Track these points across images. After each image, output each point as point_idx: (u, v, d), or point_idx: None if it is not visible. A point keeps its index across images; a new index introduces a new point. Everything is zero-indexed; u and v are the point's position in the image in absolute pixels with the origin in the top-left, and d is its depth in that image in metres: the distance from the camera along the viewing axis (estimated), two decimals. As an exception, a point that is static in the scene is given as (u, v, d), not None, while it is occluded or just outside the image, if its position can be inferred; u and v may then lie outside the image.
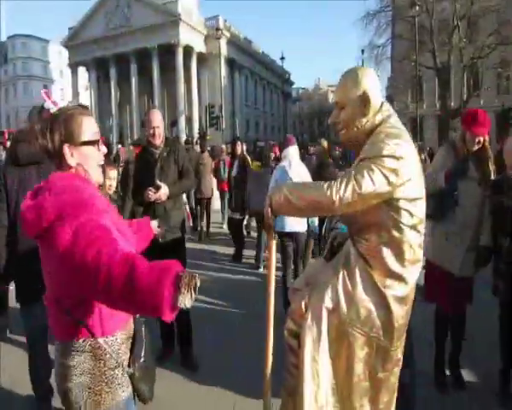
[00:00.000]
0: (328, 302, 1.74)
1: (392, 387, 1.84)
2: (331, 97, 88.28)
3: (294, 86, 70.92)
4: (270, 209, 1.70)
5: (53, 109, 1.43)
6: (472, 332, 3.16)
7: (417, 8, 20.42)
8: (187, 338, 3.43)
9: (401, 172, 1.61)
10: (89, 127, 1.42)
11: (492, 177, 2.88)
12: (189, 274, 1.10)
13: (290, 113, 59.93)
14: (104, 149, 1.49)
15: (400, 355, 1.83)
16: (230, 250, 6.94)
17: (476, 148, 2.83)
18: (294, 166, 4.49)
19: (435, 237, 2.85)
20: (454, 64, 24.05)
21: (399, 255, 1.70)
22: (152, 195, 3.13)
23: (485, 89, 26.36)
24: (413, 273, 1.75)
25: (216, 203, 9.39)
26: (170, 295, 1.07)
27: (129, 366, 1.42)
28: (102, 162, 1.48)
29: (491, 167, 2.87)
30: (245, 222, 7.44)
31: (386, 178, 1.59)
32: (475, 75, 25.63)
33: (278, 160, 6.51)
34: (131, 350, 1.45)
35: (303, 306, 1.81)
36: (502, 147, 4.16)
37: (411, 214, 1.68)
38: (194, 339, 3.47)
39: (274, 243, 1.84)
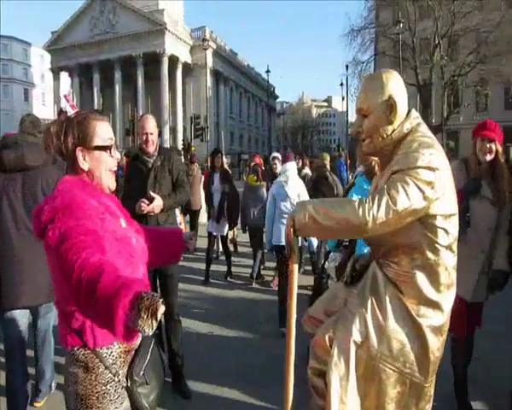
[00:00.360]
0: (356, 335, 1.55)
1: None
2: (314, 112, 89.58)
3: (279, 100, 71.60)
4: (292, 229, 1.51)
5: (70, 113, 1.51)
6: (479, 353, 2.99)
7: (401, 25, 20.85)
8: (179, 365, 3.16)
9: (437, 185, 1.48)
10: (102, 132, 1.43)
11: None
12: (152, 297, 1.01)
13: (274, 126, 60.34)
14: (118, 156, 1.48)
15: (433, 391, 1.66)
16: (219, 267, 6.66)
17: (489, 158, 2.62)
18: (292, 182, 4.61)
19: None
20: (435, 81, 24.62)
21: (434, 280, 1.56)
22: (145, 207, 2.89)
23: (466, 106, 27.05)
24: (449, 299, 1.61)
25: (204, 217, 9.17)
26: (124, 315, 1.01)
27: (126, 379, 1.38)
28: (115, 168, 1.48)
29: (506, 185, 2.62)
30: (229, 237, 7.20)
31: (422, 191, 1.45)
32: (456, 92, 26.26)
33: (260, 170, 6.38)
34: (130, 364, 1.39)
35: (327, 340, 1.62)
36: None
37: (447, 233, 1.54)
38: (187, 362, 3.22)
39: (296, 268, 1.61)
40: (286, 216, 4.42)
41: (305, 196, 4.62)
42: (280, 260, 4.49)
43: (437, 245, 1.53)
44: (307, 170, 8.02)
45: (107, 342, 1.34)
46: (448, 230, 1.54)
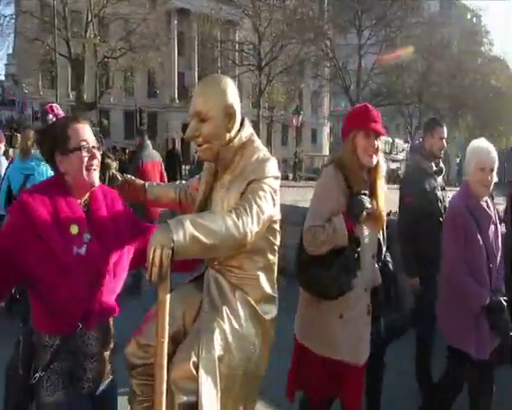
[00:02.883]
0: (218, 350, 1.52)
1: None
2: None
3: None
4: (170, 252, 1.27)
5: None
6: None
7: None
8: None
9: (278, 191, 1.61)
10: (75, 136, 1.54)
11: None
12: None
13: None
14: (98, 155, 1.58)
15: None
16: None
17: (375, 162, 2.00)
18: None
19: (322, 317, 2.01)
20: (88, 58, 24.63)
21: (270, 277, 1.68)
22: None
23: (118, 88, 28.68)
24: (276, 290, 1.73)
25: None
26: None
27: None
28: (93, 167, 1.55)
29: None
30: None
31: (273, 199, 1.57)
32: (107, 73, 27.26)
33: None
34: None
35: (191, 366, 1.48)
36: None
37: (279, 234, 1.70)
38: None
39: (168, 299, 1.34)
40: None
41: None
42: None
43: (275, 247, 1.68)
44: None
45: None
46: (279, 232, 1.69)
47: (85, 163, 1.53)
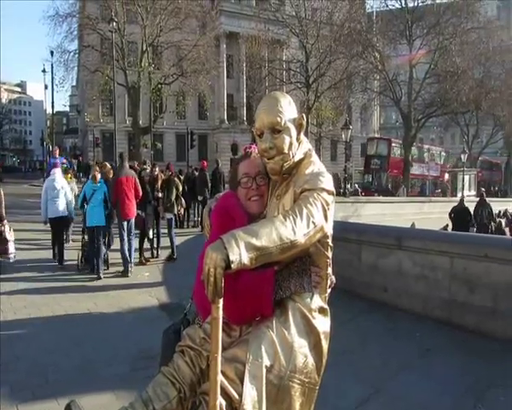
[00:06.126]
0: (266, 360, 1.49)
1: None
2: (5, 97, 76.05)
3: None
4: (224, 265, 1.26)
5: None
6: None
7: (114, 24, 20.86)
8: None
9: (331, 207, 1.59)
10: (240, 171, 1.79)
11: None
12: None
13: None
14: (256, 186, 1.76)
15: None
16: None
17: None
18: (58, 179, 7.68)
19: None
20: (143, 86, 25.93)
21: (324, 290, 1.69)
22: None
23: (170, 112, 29.90)
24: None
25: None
26: None
27: None
28: (253, 198, 1.74)
29: None
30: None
31: (325, 210, 1.55)
32: (161, 99, 28.52)
33: None
34: None
35: (233, 371, 1.49)
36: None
37: (331, 249, 1.71)
38: None
39: (221, 314, 1.32)
40: (55, 199, 7.31)
41: (67, 188, 7.67)
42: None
43: (328, 260, 1.69)
44: None
45: None
46: (331, 247, 1.70)
47: (246, 195, 1.74)
